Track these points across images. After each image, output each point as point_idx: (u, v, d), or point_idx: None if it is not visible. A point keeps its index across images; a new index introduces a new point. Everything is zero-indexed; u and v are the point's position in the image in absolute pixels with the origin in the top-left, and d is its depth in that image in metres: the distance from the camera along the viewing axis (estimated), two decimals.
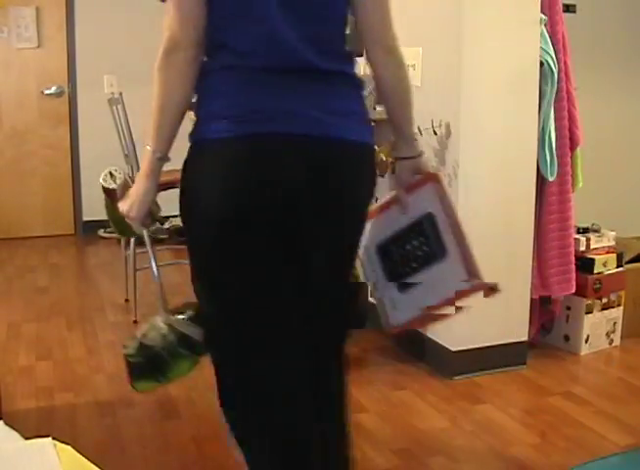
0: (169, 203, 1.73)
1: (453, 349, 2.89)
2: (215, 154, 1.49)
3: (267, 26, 1.47)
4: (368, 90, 3.17)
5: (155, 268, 1.73)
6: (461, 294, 1.68)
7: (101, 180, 1.75)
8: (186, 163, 1.54)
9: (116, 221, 1.66)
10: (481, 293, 1.68)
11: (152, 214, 1.58)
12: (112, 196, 1.68)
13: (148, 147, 1.53)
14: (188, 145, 1.56)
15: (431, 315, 1.75)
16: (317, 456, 1.59)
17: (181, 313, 1.70)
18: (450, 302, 1.72)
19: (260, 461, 1.59)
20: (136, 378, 1.68)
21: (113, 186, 1.70)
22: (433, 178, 1.75)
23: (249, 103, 1.48)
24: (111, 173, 1.74)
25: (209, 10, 1.47)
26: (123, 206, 1.58)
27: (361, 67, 3.37)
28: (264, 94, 1.48)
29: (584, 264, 3.15)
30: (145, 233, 1.64)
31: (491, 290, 1.66)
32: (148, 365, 1.66)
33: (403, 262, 1.73)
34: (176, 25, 1.47)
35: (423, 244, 1.69)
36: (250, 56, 1.48)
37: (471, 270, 1.65)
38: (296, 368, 1.58)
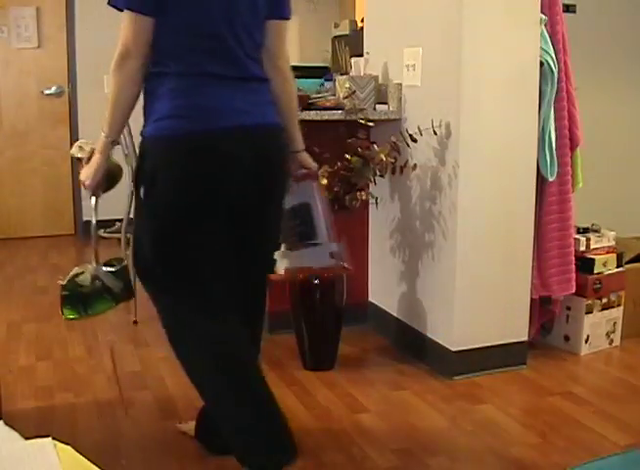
0: None
1: (453, 349, 2.89)
2: (177, 147, 1.88)
3: (221, 42, 1.89)
4: (367, 90, 3.19)
5: (94, 221, 2.14)
6: (324, 268, 2.47)
7: (72, 151, 2.12)
8: (145, 152, 1.93)
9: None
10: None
11: (106, 184, 2.04)
12: (79, 163, 2.10)
13: (102, 133, 1.95)
14: None
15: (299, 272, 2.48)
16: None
17: (109, 266, 2.12)
18: (315, 271, 2.55)
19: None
20: (65, 306, 2.11)
21: (80, 156, 2.07)
22: (313, 176, 2.22)
23: (202, 104, 1.88)
24: (80, 146, 2.09)
25: (165, 25, 1.85)
26: (82, 176, 2.01)
27: (361, 68, 3.39)
28: (216, 96, 1.90)
29: (584, 264, 3.15)
30: (93, 199, 2.08)
31: (345, 269, 2.38)
32: (76, 299, 2.08)
33: (290, 232, 2.26)
34: (130, 39, 1.84)
35: (302, 224, 2.21)
36: (200, 65, 1.88)
37: (334, 255, 2.24)
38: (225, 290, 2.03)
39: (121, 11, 1.85)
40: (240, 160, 1.92)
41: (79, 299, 2.06)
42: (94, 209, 2.10)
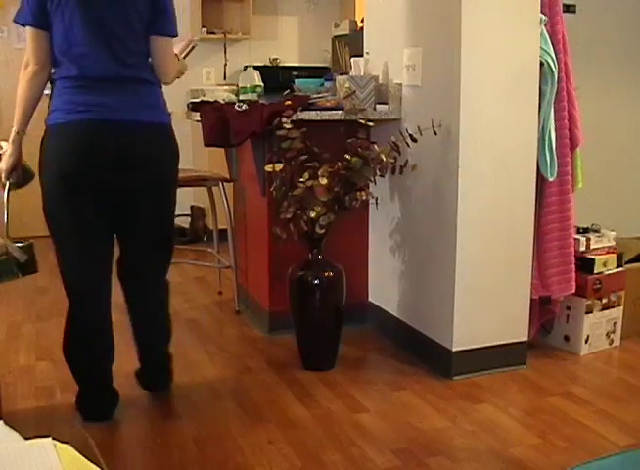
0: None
1: (453, 349, 2.89)
2: (55, 133, 2.34)
3: (92, 50, 2.31)
4: (367, 90, 3.19)
5: (5, 199, 2.56)
6: None
7: None
8: (43, 138, 2.37)
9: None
10: None
11: (15, 174, 2.47)
12: None
13: (13, 127, 2.39)
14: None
15: None
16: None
17: (19, 242, 2.43)
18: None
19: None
20: None
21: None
22: None
23: (77, 100, 2.31)
24: (0, 146, 2.44)
25: (52, 38, 2.32)
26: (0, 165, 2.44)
27: (361, 68, 3.39)
28: (88, 94, 2.32)
29: (584, 264, 3.15)
30: (7, 184, 2.49)
31: None
32: None
33: None
34: (30, 53, 2.34)
35: None
36: (78, 70, 2.31)
37: None
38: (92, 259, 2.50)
39: (24, 26, 2.34)
40: (103, 147, 2.31)
41: None
42: (7, 192, 2.48)
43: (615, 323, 3.27)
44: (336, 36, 5.28)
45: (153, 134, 2.41)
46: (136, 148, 2.36)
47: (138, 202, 2.44)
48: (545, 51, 2.87)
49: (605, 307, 3.22)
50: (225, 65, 5.76)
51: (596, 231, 3.28)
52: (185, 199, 3.90)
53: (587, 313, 3.16)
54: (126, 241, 2.55)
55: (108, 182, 2.35)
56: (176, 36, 2.47)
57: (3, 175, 2.46)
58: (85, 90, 2.31)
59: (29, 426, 2.42)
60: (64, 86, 2.34)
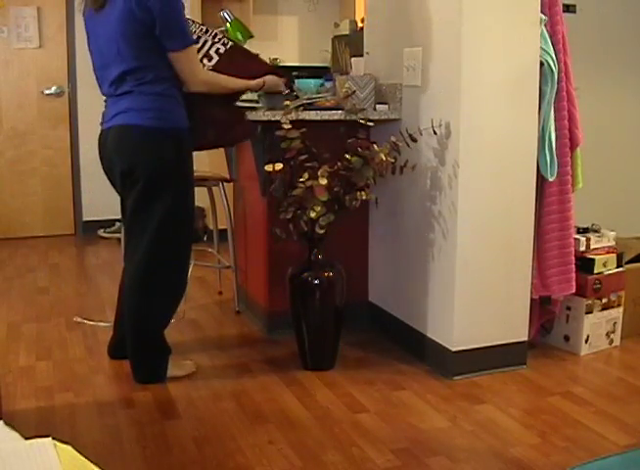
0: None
1: (453, 349, 2.89)
2: None
3: (99, 77, 2.84)
4: (367, 90, 3.19)
5: None
6: None
7: None
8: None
9: None
10: None
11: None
12: None
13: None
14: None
15: None
16: None
17: None
18: None
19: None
20: None
21: None
22: None
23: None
24: None
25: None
26: None
27: (361, 68, 3.39)
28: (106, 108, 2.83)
29: (584, 264, 3.15)
30: None
31: None
32: None
33: None
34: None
35: None
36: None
37: None
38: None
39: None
40: (104, 146, 2.81)
41: None
42: None
43: (615, 323, 3.27)
44: (336, 36, 5.28)
45: (118, 135, 2.70)
46: (108, 147, 2.76)
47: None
48: (545, 51, 2.87)
49: (605, 307, 3.22)
50: None
51: (596, 231, 3.28)
52: None
53: (587, 313, 3.16)
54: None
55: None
56: (179, 50, 2.60)
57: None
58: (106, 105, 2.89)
59: (29, 426, 2.42)
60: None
